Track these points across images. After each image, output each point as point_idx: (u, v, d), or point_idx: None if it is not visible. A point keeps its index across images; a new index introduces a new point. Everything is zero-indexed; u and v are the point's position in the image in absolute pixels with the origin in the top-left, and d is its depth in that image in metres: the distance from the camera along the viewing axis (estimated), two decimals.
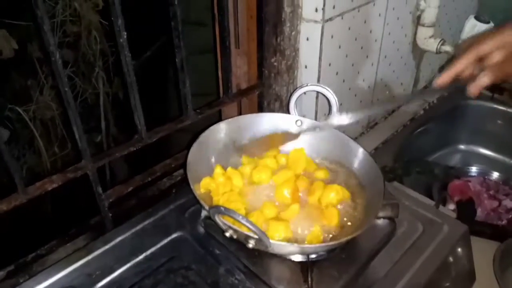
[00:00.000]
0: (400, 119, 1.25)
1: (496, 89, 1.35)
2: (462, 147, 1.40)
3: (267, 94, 0.91)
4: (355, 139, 1.15)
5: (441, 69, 1.44)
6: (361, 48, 0.99)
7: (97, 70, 1.55)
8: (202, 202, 0.57)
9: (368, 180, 0.68)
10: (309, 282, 0.57)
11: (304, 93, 0.84)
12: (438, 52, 1.13)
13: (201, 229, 0.67)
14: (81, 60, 1.53)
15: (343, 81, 0.98)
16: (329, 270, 0.61)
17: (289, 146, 0.74)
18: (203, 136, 0.67)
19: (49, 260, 0.71)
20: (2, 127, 1.36)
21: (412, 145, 1.19)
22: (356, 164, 0.71)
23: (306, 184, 0.67)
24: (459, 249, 0.67)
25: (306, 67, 0.89)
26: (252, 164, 0.70)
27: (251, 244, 0.54)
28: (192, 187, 0.60)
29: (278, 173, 0.68)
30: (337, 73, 0.95)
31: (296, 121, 0.75)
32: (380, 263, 0.62)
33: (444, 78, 0.58)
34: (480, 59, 0.58)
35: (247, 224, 0.50)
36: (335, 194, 0.65)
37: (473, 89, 0.58)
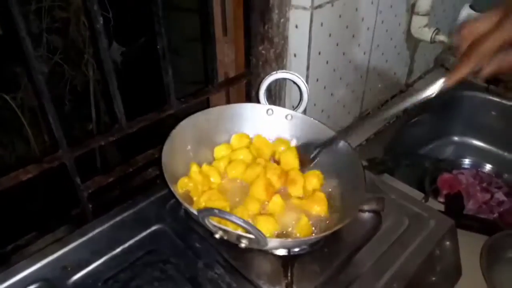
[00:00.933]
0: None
1: (491, 81, 1.33)
2: (455, 138, 1.38)
3: (255, 83, 0.89)
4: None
5: (436, 60, 1.41)
6: (353, 36, 0.96)
7: (87, 57, 1.52)
8: (187, 205, 0.54)
9: (345, 165, 0.66)
10: (289, 278, 0.56)
11: (277, 81, 0.82)
12: (433, 41, 1.11)
13: (182, 222, 0.66)
14: (70, 47, 1.49)
15: (334, 70, 0.96)
16: (311, 265, 0.59)
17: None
18: (174, 133, 0.64)
19: (27, 251, 0.69)
20: None
21: (404, 136, 1.18)
22: (333, 150, 0.69)
23: (279, 173, 0.65)
24: (445, 244, 0.66)
25: (295, 55, 0.87)
26: (225, 159, 0.68)
27: (243, 244, 0.52)
28: (172, 189, 0.58)
29: (247, 170, 0.66)
30: (327, 62, 0.92)
31: (267, 110, 0.73)
32: (363, 258, 0.61)
33: (452, 81, 0.56)
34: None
35: (245, 226, 0.47)
36: (317, 180, 0.64)
37: (484, 73, 0.53)
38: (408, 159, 0.97)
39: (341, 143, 0.67)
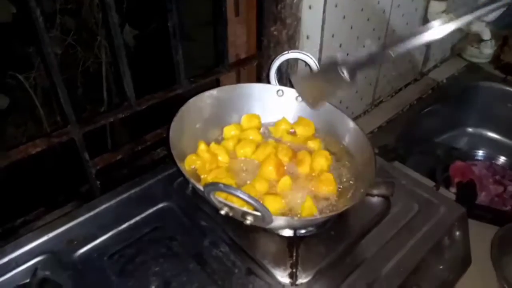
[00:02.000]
0: (406, 98, 1.21)
1: (509, 71, 1.30)
2: (469, 130, 1.35)
3: (266, 65, 0.88)
4: (359, 116, 1.12)
5: (453, 49, 1.38)
6: (368, 20, 0.94)
7: (99, 39, 1.52)
8: (193, 181, 0.54)
9: (356, 150, 0.65)
10: (294, 258, 0.55)
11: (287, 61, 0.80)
12: None
13: (188, 200, 0.65)
14: (83, 28, 1.49)
15: (347, 54, 0.94)
16: (317, 247, 0.59)
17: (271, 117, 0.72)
18: (182, 111, 0.63)
19: (35, 225, 0.70)
20: (2, 94, 1.35)
21: (417, 125, 1.15)
22: (343, 132, 0.68)
23: (290, 155, 0.65)
24: (455, 232, 0.65)
25: (308, 37, 0.85)
26: (234, 138, 0.67)
27: (248, 220, 0.51)
28: (179, 165, 0.57)
29: (258, 149, 0.65)
30: (340, 45, 0.91)
31: (278, 91, 0.72)
32: (370, 242, 0.60)
33: None
34: None
35: (250, 201, 0.46)
36: (325, 160, 0.63)
37: None
38: (420, 147, 0.94)
39: (352, 127, 0.66)
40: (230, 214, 0.52)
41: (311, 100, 0.67)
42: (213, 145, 0.65)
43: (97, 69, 1.54)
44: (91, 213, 0.63)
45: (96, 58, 1.52)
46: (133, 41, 1.55)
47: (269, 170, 0.62)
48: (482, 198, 1.13)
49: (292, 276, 0.54)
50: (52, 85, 0.59)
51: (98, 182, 0.73)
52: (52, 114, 1.48)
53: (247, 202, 0.46)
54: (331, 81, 0.62)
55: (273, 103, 0.71)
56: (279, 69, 0.87)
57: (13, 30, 1.28)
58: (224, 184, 0.47)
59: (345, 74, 0.60)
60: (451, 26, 0.57)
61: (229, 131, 0.69)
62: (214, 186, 0.48)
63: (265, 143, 0.66)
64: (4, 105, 1.34)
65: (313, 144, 0.68)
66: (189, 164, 0.62)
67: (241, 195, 0.45)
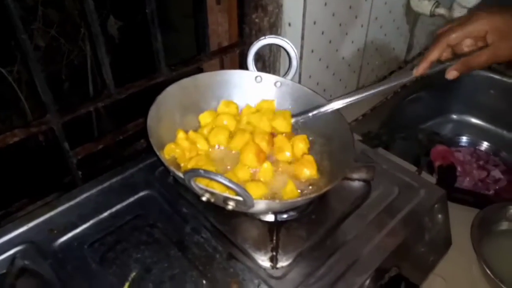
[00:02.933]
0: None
1: None
2: (454, 116, 1.37)
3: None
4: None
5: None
6: (350, 7, 0.94)
7: (83, 31, 1.50)
8: (173, 169, 0.54)
9: (335, 132, 0.66)
10: (275, 242, 0.56)
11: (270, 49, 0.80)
12: (432, 14, 1.09)
13: (170, 188, 0.65)
14: (66, 21, 1.47)
15: (330, 41, 0.94)
16: (297, 231, 0.59)
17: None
18: (159, 99, 0.63)
19: (17, 217, 0.70)
20: None
21: (402, 112, 1.16)
22: (320, 116, 0.68)
23: (267, 139, 0.65)
24: (435, 213, 0.66)
25: (289, 24, 0.85)
26: (209, 125, 0.67)
27: (230, 206, 0.52)
28: (158, 154, 0.57)
29: (235, 137, 0.65)
30: (323, 33, 0.91)
31: (256, 77, 0.72)
32: (351, 225, 0.61)
33: (423, 67, 0.65)
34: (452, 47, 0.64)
35: (231, 185, 0.46)
36: (304, 143, 0.63)
37: (449, 76, 0.65)
38: (403, 132, 0.95)
39: (330, 110, 0.66)
40: (212, 200, 0.52)
41: None
42: (191, 133, 0.65)
43: (82, 62, 1.52)
44: (72, 202, 0.63)
45: (80, 51, 1.50)
46: (117, 33, 1.53)
47: (250, 158, 0.62)
48: (466, 183, 1.15)
49: (273, 259, 0.55)
50: (29, 74, 0.58)
51: (80, 173, 0.73)
52: (37, 107, 1.46)
53: (228, 187, 0.46)
54: None
55: (251, 89, 0.71)
56: (260, 57, 0.87)
57: None
58: (204, 170, 0.47)
59: None
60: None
61: (205, 118, 0.69)
62: (194, 172, 0.48)
63: (241, 131, 0.66)
64: None
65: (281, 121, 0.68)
66: (168, 153, 0.62)
67: (221, 180, 0.45)
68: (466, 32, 0.60)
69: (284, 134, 0.67)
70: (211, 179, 0.46)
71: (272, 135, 0.67)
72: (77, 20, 1.47)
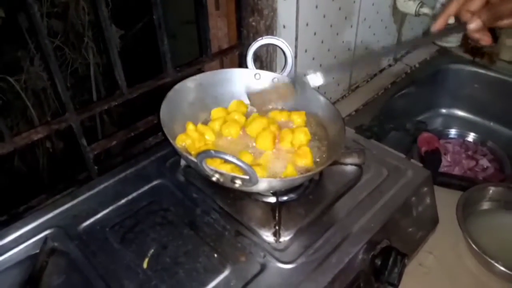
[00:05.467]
0: (381, 82, 1.28)
1: (477, 53, 1.38)
2: (443, 110, 1.44)
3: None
4: (337, 101, 1.20)
5: (425, 33, 1.46)
6: (339, 9, 1.01)
7: (86, 41, 1.56)
8: (185, 154, 0.60)
9: (329, 122, 0.72)
10: (277, 219, 0.62)
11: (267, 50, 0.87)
12: (417, 14, 1.16)
13: (181, 177, 0.72)
14: (70, 31, 1.54)
15: (322, 42, 1.01)
16: (297, 209, 0.65)
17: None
18: (169, 95, 0.69)
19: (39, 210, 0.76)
20: None
21: (392, 108, 1.23)
22: (316, 109, 0.75)
23: (277, 131, 0.71)
24: (421, 192, 0.72)
25: (284, 27, 0.92)
26: (220, 120, 0.73)
27: (237, 184, 0.57)
28: (171, 141, 0.63)
29: (251, 123, 0.72)
30: (315, 34, 0.98)
31: (255, 74, 0.79)
32: (344, 204, 0.67)
33: (440, 22, 0.61)
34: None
35: (238, 162, 0.52)
36: (304, 135, 0.70)
37: (472, 25, 0.58)
38: (392, 123, 1.02)
39: (323, 101, 0.73)
40: (221, 180, 0.58)
41: (260, 106, 0.77)
42: (200, 125, 0.72)
43: (85, 70, 1.59)
44: (92, 192, 0.69)
45: (83, 60, 1.56)
46: (119, 41, 1.60)
47: (266, 142, 0.69)
48: (455, 172, 1.22)
49: (276, 234, 0.61)
50: (49, 74, 0.64)
51: (96, 168, 0.79)
52: (43, 115, 1.52)
53: (235, 164, 0.53)
54: (281, 94, 0.75)
55: (251, 86, 0.78)
56: (258, 57, 0.94)
57: (2, 34, 1.32)
58: (215, 150, 0.53)
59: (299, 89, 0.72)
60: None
61: (217, 113, 0.76)
62: (206, 153, 0.54)
63: (258, 117, 0.73)
64: None
65: (297, 116, 0.75)
66: (179, 142, 0.68)
67: (229, 158, 0.52)
68: None
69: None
70: (221, 157, 0.52)
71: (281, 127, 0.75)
72: (80, 30, 1.53)
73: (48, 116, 1.54)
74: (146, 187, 0.70)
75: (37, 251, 0.59)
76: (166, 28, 0.77)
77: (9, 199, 0.83)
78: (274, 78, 0.78)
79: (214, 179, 0.57)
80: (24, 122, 1.52)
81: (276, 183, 0.61)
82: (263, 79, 0.78)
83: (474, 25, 0.57)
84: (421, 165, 0.79)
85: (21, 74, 1.44)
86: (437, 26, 0.61)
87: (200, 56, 0.89)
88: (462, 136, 1.35)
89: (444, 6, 0.63)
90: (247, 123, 0.73)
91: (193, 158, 0.56)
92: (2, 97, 1.41)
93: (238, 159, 0.51)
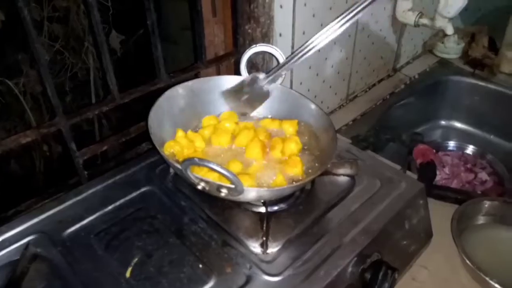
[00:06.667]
0: (380, 92, 1.28)
1: (477, 65, 1.38)
2: (442, 122, 1.43)
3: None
4: (334, 110, 1.19)
5: (424, 46, 1.45)
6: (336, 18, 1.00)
7: (86, 45, 1.56)
8: (170, 160, 0.59)
9: (321, 131, 0.71)
10: (265, 229, 0.61)
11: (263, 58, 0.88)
12: (417, 25, 1.15)
13: (170, 184, 0.71)
14: (70, 35, 1.54)
15: (319, 50, 1.00)
16: (286, 220, 0.64)
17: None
18: (160, 101, 0.69)
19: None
20: None
21: (391, 118, 1.22)
22: (308, 117, 0.74)
23: (266, 140, 0.70)
24: (414, 205, 0.70)
25: (280, 35, 0.92)
26: (211, 128, 0.72)
27: (223, 193, 0.56)
28: (158, 148, 0.62)
29: (239, 135, 0.71)
30: None
31: None
32: (335, 215, 0.66)
33: None
34: None
35: (222, 171, 0.51)
36: (295, 145, 0.69)
37: None
38: (388, 134, 1.01)
39: (314, 109, 0.72)
40: (207, 188, 0.57)
41: (238, 108, 0.78)
42: (190, 132, 0.71)
43: (85, 75, 1.59)
44: (79, 197, 0.68)
45: (83, 64, 1.57)
46: (119, 46, 1.60)
47: (256, 152, 0.68)
48: (454, 185, 1.20)
49: (263, 245, 0.60)
50: (40, 78, 0.64)
51: (86, 173, 0.78)
52: (41, 118, 1.52)
53: (219, 173, 0.51)
54: (252, 92, 0.77)
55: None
56: (254, 65, 0.93)
57: (2, 37, 1.33)
58: (199, 158, 0.52)
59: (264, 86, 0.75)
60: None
61: (208, 121, 0.75)
62: (190, 161, 0.53)
63: (245, 129, 0.72)
64: None
65: (288, 125, 0.74)
66: (168, 149, 0.67)
67: (213, 166, 0.51)
68: None
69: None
70: (205, 166, 0.51)
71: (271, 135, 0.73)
72: (81, 35, 1.53)
73: (46, 119, 1.53)
74: (134, 194, 0.69)
75: (18, 257, 0.58)
76: (165, 33, 0.77)
77: (1, 202, 0.83)
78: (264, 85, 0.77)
79: (199, 187, 0.56)
80: (22, 125, 1.52)
81: (264, 193, 0.60)
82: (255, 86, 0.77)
83: None
84: (415, 177, 0.78)
85: (20, 78, 1.44)
86: None
87: (195, 62, 0.88)
88: (461, 149, 1.34)
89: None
90: (236, 133, 0.72)
91: (178, 166, 0.55)
92: (0, 100, 1.41)
93: (223, 167, 0.50)
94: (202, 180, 0.55)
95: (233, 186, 0.53)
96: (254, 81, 0.76)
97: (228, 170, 0.51)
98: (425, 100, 1.35)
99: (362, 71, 1.21)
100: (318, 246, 0.60)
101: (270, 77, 0.75)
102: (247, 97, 0.77)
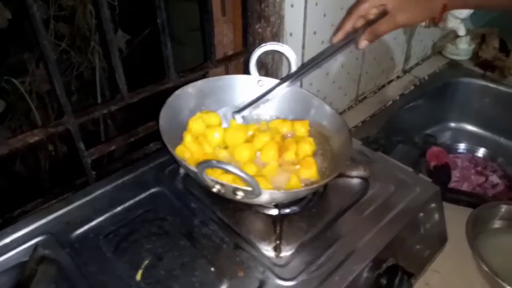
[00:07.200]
0: (389, 94, 1.26)
1: (488, 67, 1.36)
2: (452, 124, 1.41)
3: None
4: (343, 112, 1.17)
5: (434, 47, 1.44)
6: None
7: (93, 44, 1.56)
8: (185, 163, 0.58)
9: (334, 132, 0.70)
10: (278, 233, 0.59)
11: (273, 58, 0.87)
12: (427, 26, 1.14)
13: (179, 185, 0.69)
14: (77, 34, 1.53)
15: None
16: (299, 223, 0.63)
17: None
18: (170, 101, 0.67)
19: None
20: None
21: (400, 120, 1.20)
22: (320, 118, 0.73)
23: (281, 141, 0.69)
24: (430, 209, 0.69)
25: (291, 34, 0.90)
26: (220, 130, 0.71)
27: (239, 196, 0.54)
28: (170, 149, 0.61)
29: (256, 137, 0.69)
30: (322, 42, 0.96)
31: (258, 81, 0.76)
32: (349, 218, 0.64)
33: (338, 37, 0.75)
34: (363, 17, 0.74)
35: (240, 173, 0.50)
36: (309, 146, 0.67)
37: (360, 45, 0.75)
38: (400, 136, 0.99)
39: (329, 111, 0.71)
40: (222, 191, 0.55)
41: None
42: (199, 136, 0.69)
43: (91, 74, 1.58)
44: (87, 198, 0.67)
45: (89, 63, 1.56)
46: (125, 46, 1.59)
47: (272, 154, 0.67)
48: (464, 188, 1.18)
49: (276, 249, 0.58)
50: (48, 76, 0.62)
51: (94, 173, 0.77)
52: (46, 117, 1.51)
53: (237, 175, 0.50)
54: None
55: (254, 93, 0.76)
56: (264, 65, 0.92)
57: (9, 36, 1.32)
58: (217, 161, 0.51)
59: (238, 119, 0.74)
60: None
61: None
62: (207, 163, 0.51)
63: (259, 131, 0.71)
64: (1, 109, 1.38)
65: (300, 126, 0.72)
66: (179, 153, 0.66)
67: (231, 169, 0.49)
68: (371, 2, 0.71)
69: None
70: (223, 168, 0.50)
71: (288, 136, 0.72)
72: (87, 34, 1.53)
73: (52, 119, 1.53)
74: (143, 195, 0.68)
75: (27, 258, 0.57)
76: (171, 33, 0.75)
77: (7, 202, 0.82)
78: (260, 80, 0.76)
79: (214, 190, 0.54)
80: (27, 124, 1.51)
81: (278, 195, 0.59)
82: (266, 86, 0.76)
83: (362, 45, 0.74)
84: (429, 180, 0.76)
85: (26, 77, 1.43)
86: (336, 39, 0.75)
87: (204, 62, 0.87)
88: (471, 151, 1.32)
89: (341, 23, 0.76)
90: (250, 139, 0.70)
91: (193, 168, 0.54)
92: (6, 99, 1.41)
93: (241, 170, 0.49)
94: (217, 182, 0.53)
95: (250, 188, 0.51)
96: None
97: (246, 173, 0.49)
98: (434, 102, 1.34)
99: (372, 72, 1.19)
100: (332, 251, 0.59)
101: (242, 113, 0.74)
102: None
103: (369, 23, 0.73)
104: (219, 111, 0.74)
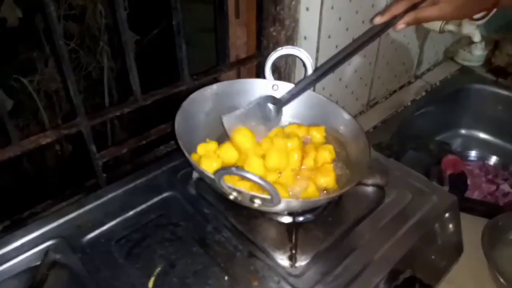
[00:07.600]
0: (401, 99, 1.25)
1: (500, 73, 1.34)
2: (463, 131, 1.39)
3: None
4: (355, 116, 1.16)
5: (446, 52, 1.42)
6: (362, 22, 0.98)
7: (102, 44, 1.55)
8: (202, 168, 0.56)
9: (351, 139, 0.69)
10: (293, 241, 0.58)
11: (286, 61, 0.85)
12: (442, 31, 1.12)
13: (192, 190, 0.68)
14: (86, 34, 1.53)
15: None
16: (314, 232, 0.61)
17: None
18: (185, 105, 0.66)
19: (42, 217, 0.72)
20: (6, 96, 1.38)
21: (412, 126, 1.19)
22: (336, 124, 0.72)
23: (301, 146, 0.68)
24: (447, 219, 0.67)
25: (305, 38, 0.89)
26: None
27: (256, 204, 0.53)
28: (186, 154, 0.59)
29: (270, 157, 0.67)
30: (336, 46, 0.94)
31: (273, 85, 0.75)
32: (365, 228, 0.63)
33: (384, 18, 0.72)
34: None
35: (260, 182, 0.49)
36: (329, 153, 0.66)
37: (397, 28, 0.72)
38: (414, 143, 0.98)
39: (347, 118, 0.69)
40: (239, 198, 0.54)
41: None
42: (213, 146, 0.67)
43: (99, 74, 1.57)
44: (99, 202, 0.66)
45: (98, 63, 1.55)
46: (134, 46, 1.58)
47: (295, 158, 0.65)
48: (475, 196, 1.17)
49: (291, 258, 0.57)
50: (62, 76, 0.62)
51: (105, 175, 0.76)
52: (54, 117, 1.51)
53: (257, 183, 0.49)
54: (259, 119, 0.70)
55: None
56: (277, 68, 0.91)
57: (19, 34, 1.31)
58: (236, 167, 0.50)
59: (272, 111, 0.71)
60: None
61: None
62: (225, 170, 0.50)
63: (287, 138, 0.69)
64: (8, 107, 1.38)
65: (316, 132, 0.71)
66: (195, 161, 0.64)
67: (251, 176, 0.48)
68: None
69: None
70: (243, 176, 0.49)
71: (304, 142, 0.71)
72: (96, 34, 1.52)
73: (59, 118, 1.52)
74: (156, 199, 0.67)
75: (38, 262, 0.56)
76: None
77: (14, 203, 0.81)
78: (275, 85, 0.75)
79: (231, 197, 0.53)
80: (35, 123, 1.50)
81: (295, 204, 0.57)
82: (281, 91, 0.74)
83: (398, 28, 0.71)
84: (446, 189, 0.75)
85: (35, 75, 1.43)
86: (381, 20, 0.72)
87: (217, 64, 0.86)
88: (482, 159, 1.30)
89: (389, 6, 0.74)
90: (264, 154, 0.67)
91: (210, 175, 0.53)
92: (14, 97, 1.40)
93: (261, 178, 0.48)
94: (235, 190, 0.52)
95: (268, 197, 0.50)
96: (263, 107, 0.72)
97: (266, 181, 0.48)
98: (446, 108, 1.32)
99: (384, 77, 1.18)
100: (348, 262, 0.57)
101: (282, 105, 0.71)
102: (254, 124, 0.70)
103: (415, 7, 0.71)
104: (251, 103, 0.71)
